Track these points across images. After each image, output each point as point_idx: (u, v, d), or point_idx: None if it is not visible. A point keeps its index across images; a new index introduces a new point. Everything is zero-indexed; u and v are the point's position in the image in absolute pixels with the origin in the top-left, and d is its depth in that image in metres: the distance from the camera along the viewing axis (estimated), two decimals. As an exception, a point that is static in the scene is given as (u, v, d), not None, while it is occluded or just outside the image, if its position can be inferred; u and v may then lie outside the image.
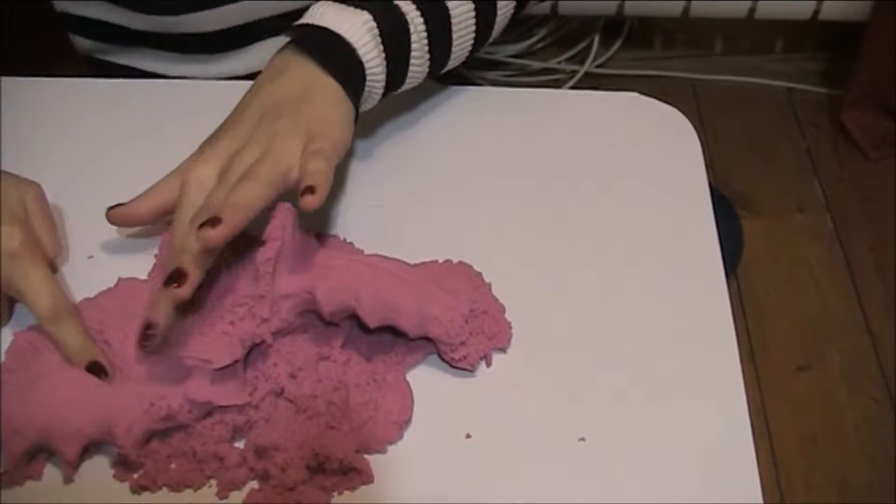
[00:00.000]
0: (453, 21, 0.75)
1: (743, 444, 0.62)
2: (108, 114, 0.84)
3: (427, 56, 0.74)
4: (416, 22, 0.73)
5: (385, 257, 0.67)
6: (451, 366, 0.65)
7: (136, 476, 0.61)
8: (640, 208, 0.76)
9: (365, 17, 0.70)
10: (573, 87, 2.10)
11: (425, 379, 0.66)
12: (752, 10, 1.90)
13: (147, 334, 0.60)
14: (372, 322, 0.63)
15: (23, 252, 0.64)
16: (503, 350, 0.67)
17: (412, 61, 0.73)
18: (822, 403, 1.63)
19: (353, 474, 0.61)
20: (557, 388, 0.65)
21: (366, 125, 0.81)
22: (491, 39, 0.80)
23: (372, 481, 0.61)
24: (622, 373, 0.66)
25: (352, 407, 0.63)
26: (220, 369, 0.61)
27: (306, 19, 0.71)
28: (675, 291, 0.70)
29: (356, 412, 0.62)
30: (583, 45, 2.17)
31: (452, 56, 0.77)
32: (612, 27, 2.17)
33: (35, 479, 0.62)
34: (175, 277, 0.59)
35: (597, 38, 2.15)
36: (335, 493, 0.60)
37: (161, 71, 0.93)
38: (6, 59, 0.94)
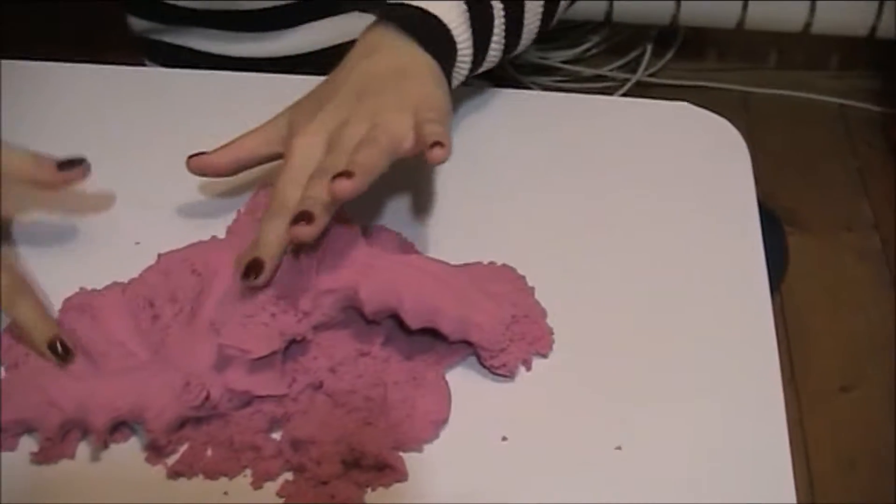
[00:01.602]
0: (526, 6, 0.76)
1: (780, 463, 0.61)
2: (157, 101, 0.85)
3: (503, 42, 0.75)
4: (496, 6, 0.73)
5: (430, 259, 0.67)
6: (491, 371, 0.65)
7: (172, 461, 0.62)
8: (686, 219, 0.75)
9: (458, 1, 0.71)
10: (623, 96, 2.09)
11: (463, 379, 0.66)
12: (807, 25, 1.88)
13: (252, 270, 0.61)
14: (414, 324, 0.63)
15: None
16: (544, 356, 0.67)
17: (492, 45, 0.74)
18: (863, 426, 1.61)
19: (388, 471, 0.61)
20: (596, 395, 0.65)
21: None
22: (550, 26, 0.81)
23: (406, 479, 0.61)
24: (661, 383, 0.65)
25: (389, 404, 0.63)
26: (259, 360, 0.61)
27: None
28: (718, 305, 0.70)
29: (393, 409, 0.63)
30: (635, 53, 2.17)
31: (521, 43, 0.78)
32: (666, 37, 2.16)
33: (68, 457, 0.62)
34: (303, 217, 0.59)
35: (649, 48, 2.14)
36: (369, 490, 0.61)
37: (213, 50, 0.94)
38: (64, 43, 0.96)
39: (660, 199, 0.77)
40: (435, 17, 0.71)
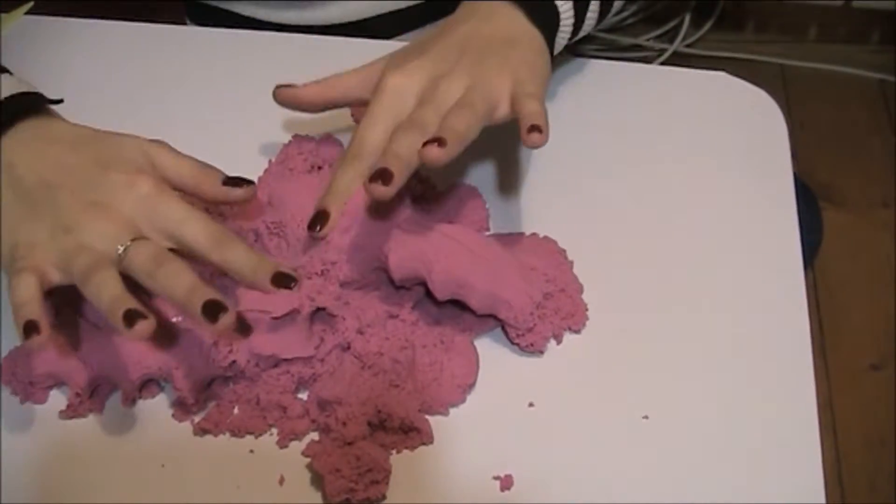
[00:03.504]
0: None
1: (808, 439, 0.61)
2: (196, 59, 0.85)
3: (598, 10, 0.75)
4: None
5: (466, 229, 0.66)
6: (519, 348, 0.65)
7: (199, 418, 0.62)
8: (722, 191, 0.75)
9: None
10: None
11: (491, 345, 0.66)
12: (849, -2, 1.85)
13: (317, 221, 0.61)
14: (441, 296, 0.63)
15: (156, 192, 0.61)
16: (577, 332, 0.66)
17: (588, 14, 0.74)
18: (893, 404, 1.59)
19: (414, 434, 0.61)
20: (624, 364, 0.65)
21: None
22: None
23: (432, 442, 0.61)
24: (690, 354, 0.65)
25: (417, 367, 0.63)
26: (283, 321, 0.61)
27: None
28: (751, 278, 0.69)
29: (421, 372, 0.63)
30: (673, 23, 2.14)
31: (612, 10, 0.77)
32: (704, 7, 2.14)
33: (97, 412, 0.63)
34: (381, 175, 0.58)
35: (688, 17, 2.12)
36: (394, 452, 0.61)
37: (259, 16, 0.94)
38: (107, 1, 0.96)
39: (695, 169, 0.76)
40: None
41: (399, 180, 0.58)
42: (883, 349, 1.66)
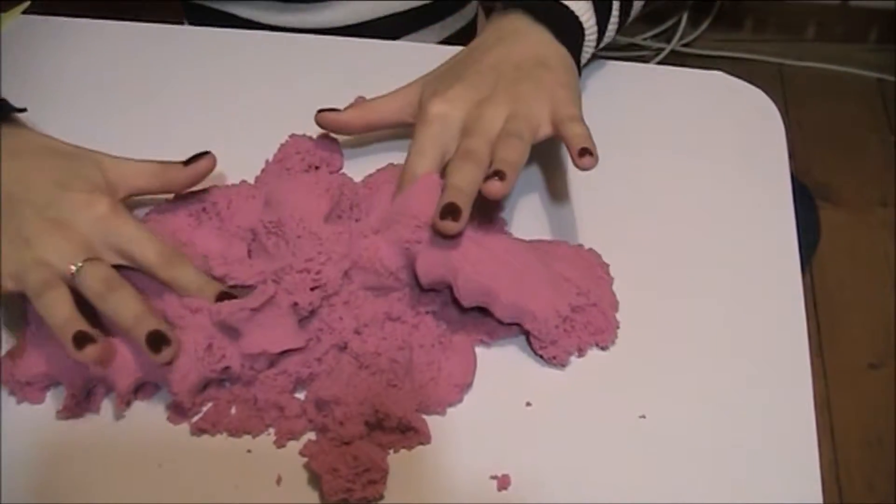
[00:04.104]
0: None
1: (806, 436, 0.61)
2: (203, 62, 0.85)
3: (617, 21, 0.77)
4: None
5: (497, 235, 0.67)
6: (542, 359, 0.65)
7: (196, 418, 0.62)
8: (718, 190, 0.75)
9: None
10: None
11: (485, 349, 0.66)
12: (847, -3, 1.86)
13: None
14: (466, 303, 0.63)
15: (112, 213, 0.63)
16: (604, 348, 0.66)
17: (609, 27, 0.76)
18: (891, 403, 1.60)
19: (411, 433, 0.61)
20: (622, 364, 0.65)
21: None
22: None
23: (429, 441, 0.61)
24: (688, 353, 0.65)
25: (415, 366, 0.63)
26: (266, 315, 0.61)
27: None
28: (748, 278, 0.69)
29: (418, 372, 0.63)
30: (671, 22, 2.14)
31: (630, 19, 0.79)
32: (702, 6, 2.14)
33: (93, 412, 0.63)
34: (450, 211, 0.60)
35: (685, 17, 2.12)
36: (392, 451, 0.61)
37: (258, 19, 0.94)
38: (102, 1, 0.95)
39: (692, 168, 0.76)
40: (566, 7, 0.72)
41: (466, 214, 0.61)
42: (880, 348, 1.66)
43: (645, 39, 2.15)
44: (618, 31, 0.79)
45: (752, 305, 0.68)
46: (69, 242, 0.62)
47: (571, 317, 0.64)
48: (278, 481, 0.60)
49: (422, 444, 0.61)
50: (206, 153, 0.68)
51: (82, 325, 0.58)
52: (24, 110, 0.69)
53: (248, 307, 0.60)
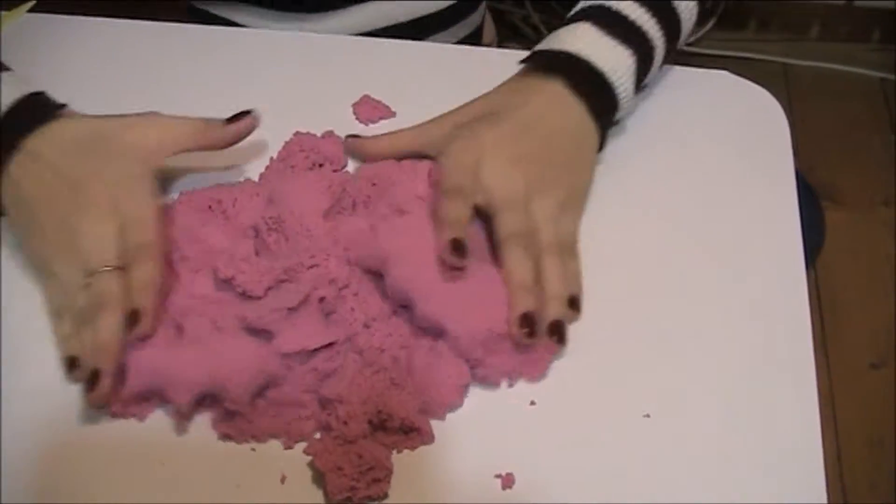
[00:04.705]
0: (682, 33, 0.76)
1: (810, 434, 0.61)
2: (207, 60, 0.84)
3: (656, 73, 0.76)
4: (659, 47, 0.74)
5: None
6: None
7: (221, 424, 0.62)
8: (723, 189, 0.74)
9: (627, 55, 0.72)
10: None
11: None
12: (851, -3, 1.85)
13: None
14: (393, 300, 0.64)
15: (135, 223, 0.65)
16: (532, 380, 0.64)
17: (645, 81, 0.75)
18: (893, 403, 1.59)
19: (414, 434, 0.61)
20: (626, 362, 0.65)
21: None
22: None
23: (432, 441, 0.61)
24: (692, 352, 0.65)
25: (415, 366, 0.63)
26: (297, 313, 0.61)
27: (570, 46, 0.71)
28: (752, 276, 0.69)
29: (419, 372, 0.62)
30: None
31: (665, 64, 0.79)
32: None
33: (138, 419, 0.62)
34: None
35: (689, 16, 2.11)
36: (395, 451, 0.61)
37: (257, 26, 0.94)
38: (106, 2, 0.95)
39: (697, 167, 0.76)
40: (607, 82, 0.71)
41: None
42: (884, 348, 1.66)
43: (649, 38, 2.14)
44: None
45: (756, 304, 0.68)
46: (79, 263, 0.63)
47: (498, 340, 0.63)
48: (282, 480, 0.60)
49: (425, 443, 0.61)
50: (249, 112, 0.69)
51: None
52: (63, 106, 0.70)
53: (285, 307, 0.61)
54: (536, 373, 0.64)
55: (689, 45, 2.09)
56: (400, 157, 0.72)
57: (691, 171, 0.76)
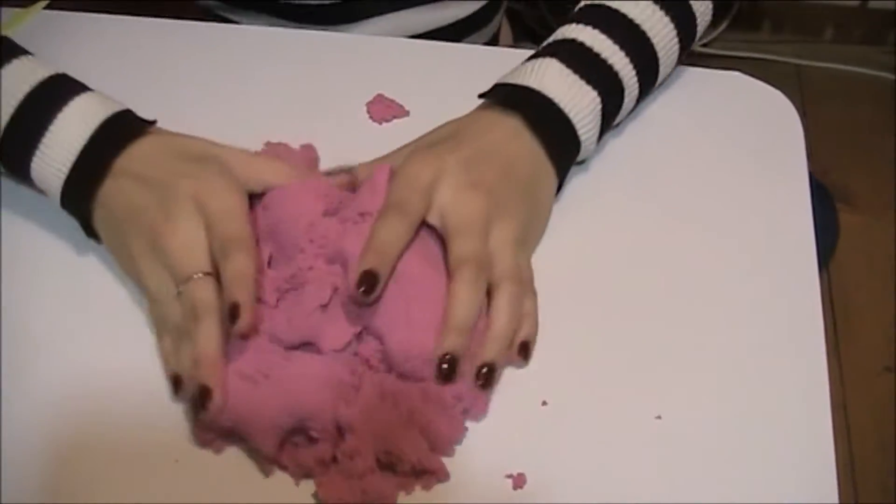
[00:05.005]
0: (661, 67, 0.75)
1: (822, 437, 0.61)
2: (219, 58, 0.85)
3: (631, 109, 0.75)
4: (630, 85, 0.72)
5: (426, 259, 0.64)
6: None
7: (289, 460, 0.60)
8: (736, 191, 0.74)
9: (593, 96, 0.69)
10: (674, 66, 2.05)
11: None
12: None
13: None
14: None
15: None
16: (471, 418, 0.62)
17: (616, 120, 0.74)
18: (905, 408, 1.59)
19: (427, 476, 0.59)
20: (638, 364, 0.65)
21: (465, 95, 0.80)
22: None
23: (448, 479, 0.59)
24: (704, 354, 0.65)
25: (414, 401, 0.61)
26: (333, 311, 0.61)
27: (535, 83, 0.69)
28: (765, 278, 0.69)
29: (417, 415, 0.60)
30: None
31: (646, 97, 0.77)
32: (720, 6, 2.13)
33: (214, 451, 0.61)
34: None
35: (703, 17, 2.11)
36: (405, 493, 0.59)
37: None
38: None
39: (710, 168, 0.76)
40: (569, 120, 0.69)
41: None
42: (896, 351, 1.66)
43: (662, 40, 2.14)
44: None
45: (768, 306, 0.67)
46: (170, 274, 0.62)
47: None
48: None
49: (440, 482, 0.59)
50: (350, 168, 0.69)
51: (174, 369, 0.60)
52: (153, 123, 0.69)
53: (317, 304, 0.60)
54: (478, 410, 0.62)
55: (702, 45, 2.10)
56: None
57: (704, 173, 0.76)
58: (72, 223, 0.68)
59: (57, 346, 0.65)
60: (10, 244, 0.70)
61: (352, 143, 0.73)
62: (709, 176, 0.75)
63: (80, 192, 0.65)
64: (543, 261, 0.69)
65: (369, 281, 0.59)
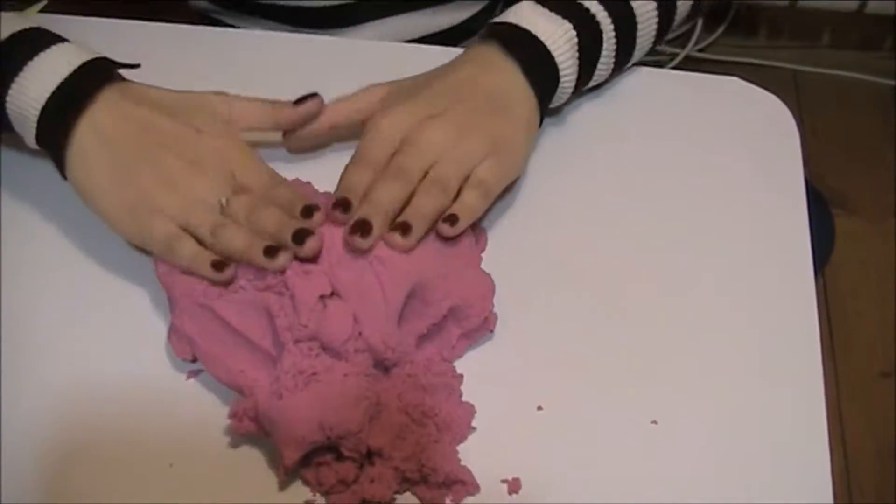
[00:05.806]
0: (639, 23, 0.76)
1: (818, 444, 0.61)
2: (215, 62, 0.85)
3: (613, 61, 0.76)
4: (607, 29, 0.73)
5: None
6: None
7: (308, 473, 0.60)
8: (732, 196, 0.74)
9: (567, 27, 0.71)
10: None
11: (502, 348, 0.66)
12: (862, 5, 1.84)
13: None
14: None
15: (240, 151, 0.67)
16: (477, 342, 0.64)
17: (599, 67, 0.75)
18: (902, 413, 1.59)
19: (458, 485, 0.59)
20: (634, 369, 0.65)
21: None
22: (666, 38, 0.81)
23: (478, 491, 0.59)
24: (699, 359, 0.65)
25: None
26: (333, 307, 0.60)
27: (511, 18, 0.72)
28: (761, 284, 0.69)
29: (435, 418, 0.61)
30: (685, 27, 2.14)
31: (633, 58, 0.78)
32: (717, 12, 2.13)
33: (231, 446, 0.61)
34: (360, 227, 0.61)
35: (700, 22, 2.11)
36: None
37: None
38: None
39: (706, 174, 0.76)
40: (544, 46, 0.71)
41: (378, 231, 0.61)
42: (893, 357, 1.66)
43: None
44: (621, 69, 0.78)
45: (764, 312, 0.67)
46: (213, 180, 0.64)
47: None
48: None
49: (470, 494, 0.59)
50: (314, 94, 0.70)
51: (265, 241, 0.60)
52: (136, 66, 0.70)
53: (317, 295, 0.60)
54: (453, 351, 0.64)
55: (699, 50, 2.10)
56: (345, 131, 0.73)
57: (700, 178, 0.76)
58: (72, 225, 0.68)
59: (57, 350, 0.66)
60: (11, 247, 0.70)
61: (347, 146, 0.73)
62: (705, 181, 0.75)
63: (66, 110, 0.65)
64: (539, 264, 0.69)
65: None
